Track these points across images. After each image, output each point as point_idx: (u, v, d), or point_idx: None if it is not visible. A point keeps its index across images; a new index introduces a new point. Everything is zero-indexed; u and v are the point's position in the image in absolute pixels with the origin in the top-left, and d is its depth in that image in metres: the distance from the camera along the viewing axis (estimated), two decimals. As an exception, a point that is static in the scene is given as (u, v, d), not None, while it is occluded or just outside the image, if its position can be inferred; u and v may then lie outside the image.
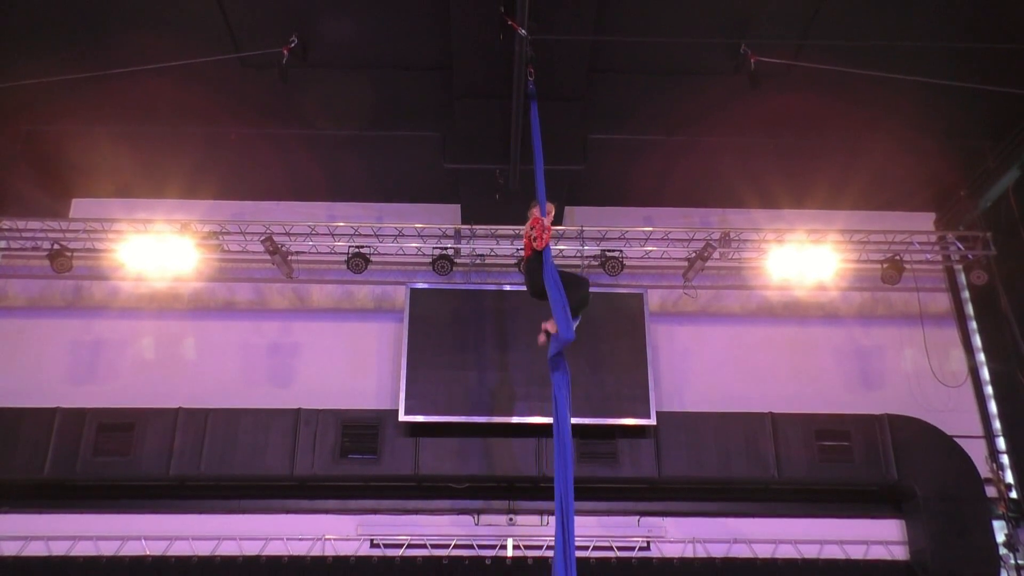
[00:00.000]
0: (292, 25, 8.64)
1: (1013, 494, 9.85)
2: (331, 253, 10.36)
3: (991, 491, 9.78)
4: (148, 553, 9.43)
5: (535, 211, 6.92)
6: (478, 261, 10.60)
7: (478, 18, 7.97)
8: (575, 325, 6.64)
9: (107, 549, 9.42)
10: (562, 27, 8.00)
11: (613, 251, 10.27)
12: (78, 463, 9.26)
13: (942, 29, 8.68)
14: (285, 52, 8.58)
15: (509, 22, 7.60)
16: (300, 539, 9.60)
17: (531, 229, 6.81)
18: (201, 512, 9.64)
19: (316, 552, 9.54)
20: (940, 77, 8.65)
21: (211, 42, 8.69)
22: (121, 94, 9.29)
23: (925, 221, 11.31)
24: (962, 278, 10.90)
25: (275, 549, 9.54)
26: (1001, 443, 10.16)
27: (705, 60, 9.16)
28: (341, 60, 9.18)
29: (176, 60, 8.55)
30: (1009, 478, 9.94)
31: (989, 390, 10.45)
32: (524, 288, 7.27)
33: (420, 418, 9.38)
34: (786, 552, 9.68)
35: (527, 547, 9.61)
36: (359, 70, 9.31)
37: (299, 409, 9.63)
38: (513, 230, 10.13)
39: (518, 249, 10.21)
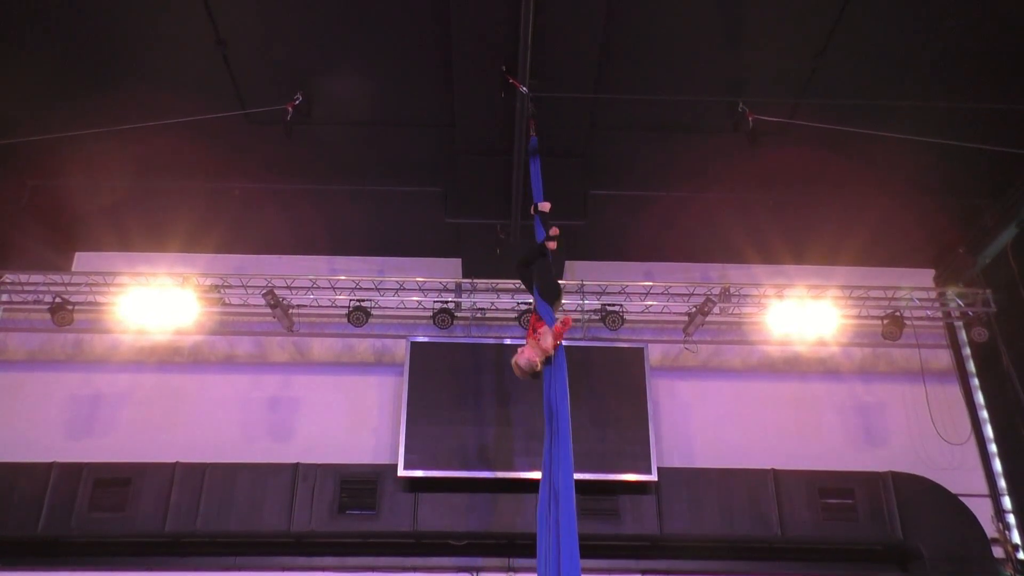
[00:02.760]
0: (297, 83, 8.76)
1: (1021, 555, 9.68)
2: (332, 307, 10.36)
3: (998, 551, 9.61)
4: (141, 612, 9.27)
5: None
6: (479, 315, 10.60)
7: (480, 76, 8.10)
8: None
9: (99, 608, 9.24)
10: (563, 85, 8.13)
11: (613, 305, 10.27)
12: (73, 519, 9.12)
13: (939, 88, 8.79)
14: (289, 109, 8.68)
15: (511, 80, 7.74)
16: (296, 598, 9.43)
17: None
18: (197, 569, 9.43)
19: (313, 611, 9.37)
20: (937, 136, 8.73)
21: (217, 99, 8.79)
22: (126, 149, 9.37)
23: (925, 278, 11.33)
24: (963, 335, 10.86)
25: (270, 608, 9.37)
26: (1007, 502, 10.02)
27: (704, 118, 9.30)
28: (344, 117, 9.31)
29: (182, 116, 8.63)
30: (1016, 538, 9.79)
31: (993, 448, 10.34)
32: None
33: (419, 473, 9.29)
34: (791, 613, 9.53)
35: (526, 606, 9.41)
36: (362, 126, 9.44)
37: (297, 464, 9.53)
38: (514, 284, 10.12)
39: (519, 303, 10.23)
